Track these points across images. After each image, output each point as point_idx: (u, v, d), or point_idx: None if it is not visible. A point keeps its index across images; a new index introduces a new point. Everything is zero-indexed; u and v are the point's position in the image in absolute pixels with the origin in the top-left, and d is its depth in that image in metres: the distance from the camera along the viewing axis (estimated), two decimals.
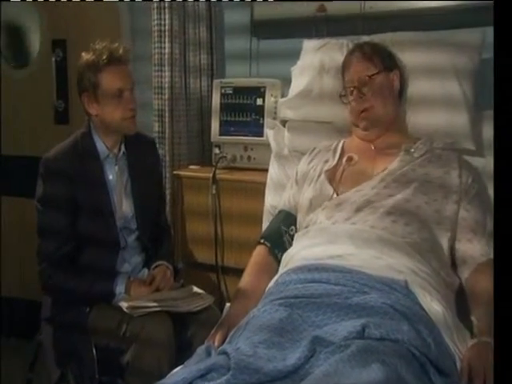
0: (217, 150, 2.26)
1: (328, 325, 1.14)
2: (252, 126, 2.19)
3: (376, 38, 1.82)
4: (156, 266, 1.83)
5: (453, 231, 1.44)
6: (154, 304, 1.62)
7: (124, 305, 1.61)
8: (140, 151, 1.90)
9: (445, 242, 1.43)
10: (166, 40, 2.34)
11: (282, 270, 1.45)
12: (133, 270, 1.85)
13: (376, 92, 1.60)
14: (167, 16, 2.33)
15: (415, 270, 1.30)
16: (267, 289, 1.38)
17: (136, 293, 1.73)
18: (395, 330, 1.09)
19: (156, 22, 2.36)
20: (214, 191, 2.12)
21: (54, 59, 2.83)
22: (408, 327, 1.12)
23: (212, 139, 2.29)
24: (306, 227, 1.51)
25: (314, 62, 1.86)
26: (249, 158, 2.22)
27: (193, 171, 2.27)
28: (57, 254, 1.73)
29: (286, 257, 1.48)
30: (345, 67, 1.69)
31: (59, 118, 2.91)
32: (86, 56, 1.76)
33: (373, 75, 1.60)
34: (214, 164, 2.21)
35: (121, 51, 1.75)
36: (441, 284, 1.33)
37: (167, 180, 2.38)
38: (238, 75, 2.46)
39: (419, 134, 1.68)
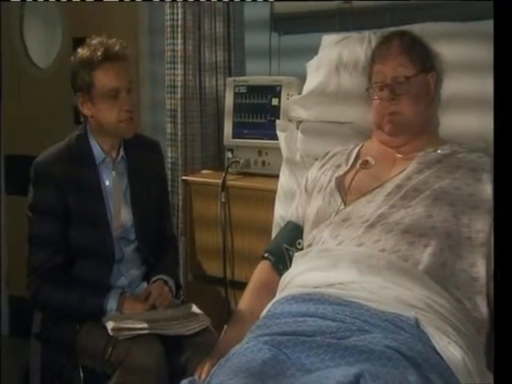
0: (229, 154, 2.09)
1: (320, 369, 0.95)
2: (267, 128, 2.01)
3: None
4: (155, 281, 1.68)
5: (489, 252, 1.21)
6: (143, 325, 1.46)
7: (110, 325, 1.47)
8: (142, 155, 1.76)
9: (480, 265, 1.21)
10: (179, 36, 2.19)
11: (278, 294, 1.27)
12: (130, 284, 1.71)
13: (410, 96, 1.38)
14: (180, 10, 2.18)
15: (430, 303, 1.08)
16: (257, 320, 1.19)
17: (129, 310, 1.58)
18: (399, 382, 0.89)
19: (169, 16, 2.22)
20: (223, 199, 1.96)
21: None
22: (416, 377, 0.92)
23: (225, 142, 2.12)
24: (309, 245, 1.32)
25: (331, 57, 1.65)
26: (263, 162, 2.04)
27: (203, 176, 2.12)
28: (46, 265, 1.61)
29: (283, 280, 1.30)
30: (377, 56, 1.46)
31: (79, 118, 2.83)
32: (80, 52, 1.62)
33: (411, 77, 1.38)
34: (226, 169, 2.04)
35: (117, 47, 1.60)
36: (463, 321, 1.11)
37: (179, 186, 2.24)
38: (258, 73, 2.29)
39: (450, 138, 1.46)
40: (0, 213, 2.99)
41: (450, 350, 1.02)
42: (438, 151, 1.33)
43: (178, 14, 2.19)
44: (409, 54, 1.41)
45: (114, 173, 1.69)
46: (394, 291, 1.10)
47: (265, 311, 1.22)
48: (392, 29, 1.65)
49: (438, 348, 1.02)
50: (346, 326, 1.02)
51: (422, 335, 1.03)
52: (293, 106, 1.71)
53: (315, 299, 1.10)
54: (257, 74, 2.27)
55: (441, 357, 1.01)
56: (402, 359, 0.95)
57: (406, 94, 1.37)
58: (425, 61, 1.43)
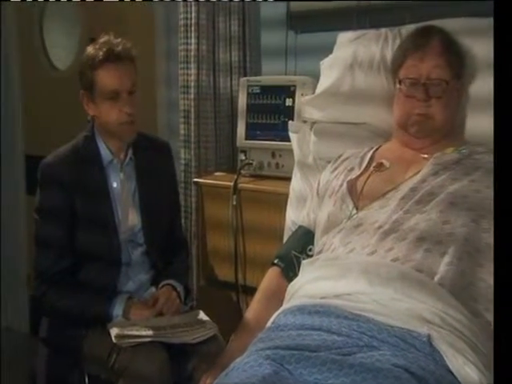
0: (242, 156, 2.03)
1: None
2: (280, 130, 1.94)
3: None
4: (163, 286, 1.64)
5: None
6: (147, 333, 1.42)
7: (113, 332, 1.42)
8: (151, 157, 1.71)
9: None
10: (193, 35, 2.15)
11: (285, 303, 1.21)
12: (138, 288, 1.67)
13: (443, 100, 1.30)
14: (193, 9, 2.13)
15: (445, 317, 1.01)
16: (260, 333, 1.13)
17: (136, 316, 1.54)
18: None
19: (182, 15, 2.17)
20: (234, 202, 1.90)
21: None
22: None
23: (238, 144, 2.06)
24: (319, 252, 1.26)
25: (346, 55, 1.58)
26: (277, 165, 1.97)
27: (215, 178, 2.06)
28: (52, 269, 1.58)
29: (290, 289, 1.24)
30: (410, 50, 1.34)
31: None
32: (88, 50, 1.59)
33: (449, 81, 1.30)
34: (238, 171, 1.99)
35: (120, 47, 1.56)
36: (481, 338, 1.02)
37: (192, 188, 2.20)
38: (274, 73, 2.23)
39: (475, 139, 1.37)
40: (21, 213, 3.01)
41: (466, 370, 0.94)
42: (455, 152, 1.25)
43: (191, 13, 2.14)
44: (448, 56, 1.32)
45: (121, 174, 1.65)
46: (405, 303, 1.03)
47: (269, 322, 1.16)
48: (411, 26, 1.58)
49: (452, 368, 0.95)
50: (353, 342, 0.96)
51: (435, 353, 0.96)
52: (305, 106, 1.65)
53: (321, 311, 1.04)
54: (272, 74, 2.21)
55: (455, 377, 0.94)
56: (412, 379, 0.88)
57: (440, 98, 1.29)
58: (461, 65, 1.35)
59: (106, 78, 1.53)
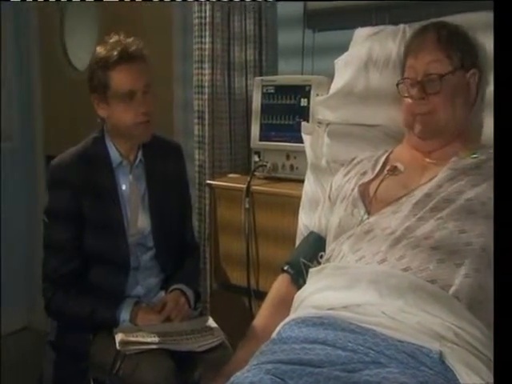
0: (256, 158, 1.99)
1: None
2: (295, 131, 1.88)
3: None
4: (172, 291, 1.60)
5: None
6: (152, 340, 1.38)
7: (118, 338, 1.39)
8: (161, 159, 1.68)
9: None
10: (207, 34, 2.11)
11: (292, 313, 1.16)
12: (147, 293, 1.64)
13: (444, 96, 1.22)
14: (208, 7, 2.09)
15: (459, 332, 0.94)
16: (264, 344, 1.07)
17: (143, 321, 1.51)
18: None
19: (197, 14, 2.13)
20: (247, 205, 1.85)
21: None
22: None
23: (251, 145, 2.01)
24: (328, 259, 1.20)
25: (361, 53, 1.52)
26: (291, 167, 1.92)
27: (229, 180, 2.02)
28: (60, 271, 1.56)
29: (297, 298, 1.18)
30: (410, 50, 1.30)
31: None
32: (98, 51, 1.56)
33: (446, 74, 1.23)
34: (251, 173, 1.94)
35: (134, 47, 1.53)
36: None
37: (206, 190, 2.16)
38: (290, 72, 2.18)
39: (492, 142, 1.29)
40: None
41: None
42: (474, 156, 1.18)
43: (205, 12, 2.11)
44: (445, 49, 1.24)
45: (131, 177, 1.62)
46: (416, 317, 0.97)
47: (274, 333, 1.11)
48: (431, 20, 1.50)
49: None
50: (359, 357, 0.90)
51: (447, 372, 0.89)
52: (318, 107, 1.59)
53: (326, 323, 0.98)
54: (289, 74, 2.16)
55: None
56: None
57: (439, 94, 1.21)
58: (464, 56, 1.27)
59: (121, 79, 1.50)
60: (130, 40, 1.55)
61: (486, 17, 1.40)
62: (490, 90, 1.33)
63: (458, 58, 1.25)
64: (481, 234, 1.06)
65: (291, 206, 1.74)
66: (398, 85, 1.30)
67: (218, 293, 2.03)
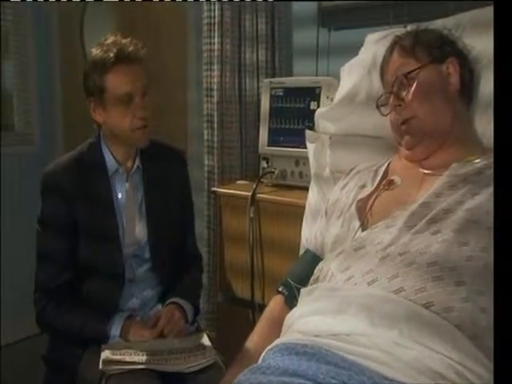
0: (264, 164, 1.89)
1: None
2: (304, 136, 1.78)
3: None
4: (168, 304, 1.52)
5: None
6: (139, 359, 1.30)
7: (103, 355, 1.32)
8: (161, 165, 1.60)
9: None
10: (216, 34, 2.03)
11: (282, 336, 1.06)
12: (143, 305, 1.56)
13: (418, 95, 1.11)
14: (217, 7, 2.01)
15: (461, 371, 0.81)
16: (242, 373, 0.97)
17: (135, 337, 1.43)
18: None
19: (206, 14, 2.06)
20: (252, 214, 1.76)
21: None
22: None
23: (260, 150, 1.92)
24: (316, 280, 1.09)
25: (366, 59, 1.40)
26: (300, 174, 1.82)
27: (237, 188, 1.93)
28: (52, 283, 1.49)
29: (287, 321, 1.07)
30: (383, 67, 1.24)
31: None
32: (93, 53, 1.49)
33: (411, 72, 1.12)
34: (257, 181, 1.84)
35: (131, 48, 1.45)
36: None
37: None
38: (304, 73, 2.08)
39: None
40: None
41: None
42: (476, 161, 1.05)
43: (214, 11, 2.03)
44: (410, 52, 1.15)
45: (127, 185, 1.55)
46: (412, 351, 0.84)
47: (260, 359, 1.01)
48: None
49: None
50: None
51: None
52: (318, 120, 1.49)
53: (310, 353, 0.87)
54: (303, 75, 2.06)
55: None
56: None
57: (414, 94, 1.10)
58: (434, 50, 1.15)
59: (118, 82, 1.43)
60: (127, 40, 1.47)
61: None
62: (489, 87, 1.19)
63: (426, 54, 1.15)
64: (484, 248, 0.93)
65: (298, 215, 1.63)
66: (377, 107, 1.20)
67: (223, 305, 1.94)
